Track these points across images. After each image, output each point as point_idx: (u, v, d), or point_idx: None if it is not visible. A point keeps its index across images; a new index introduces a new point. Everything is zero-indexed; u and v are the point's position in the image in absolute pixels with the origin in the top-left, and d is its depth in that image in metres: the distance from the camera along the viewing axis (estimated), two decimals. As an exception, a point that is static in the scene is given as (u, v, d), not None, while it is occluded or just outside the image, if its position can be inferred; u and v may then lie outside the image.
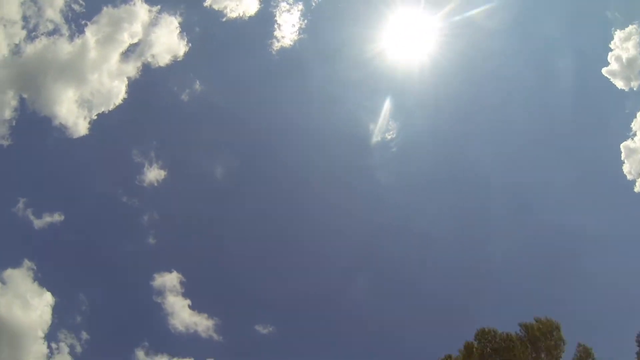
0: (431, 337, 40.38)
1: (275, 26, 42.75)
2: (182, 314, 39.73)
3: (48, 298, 36.67)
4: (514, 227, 43.17)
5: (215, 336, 39.56)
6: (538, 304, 40.34)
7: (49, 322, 36.59)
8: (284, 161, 45.09)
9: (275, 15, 42.61)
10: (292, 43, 42.73)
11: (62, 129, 39.02)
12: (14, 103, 38.02)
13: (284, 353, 40.56)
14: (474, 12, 40.48)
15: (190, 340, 39.36)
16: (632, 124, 40.17)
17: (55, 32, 38.80)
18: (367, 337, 41.43)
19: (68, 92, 39.12)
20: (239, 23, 42.15)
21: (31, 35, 38.17)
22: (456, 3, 40.26)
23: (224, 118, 44.84)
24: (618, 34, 39.75)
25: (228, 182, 44.39)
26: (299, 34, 42.71)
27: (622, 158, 40.26)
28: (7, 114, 37.80)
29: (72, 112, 39.10)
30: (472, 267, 42.97)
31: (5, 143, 37.99)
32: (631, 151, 40.02)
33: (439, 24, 41.36)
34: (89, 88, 39.61)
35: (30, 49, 38.17)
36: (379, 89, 43.83)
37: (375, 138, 44.18)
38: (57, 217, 38.91)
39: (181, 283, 40.09)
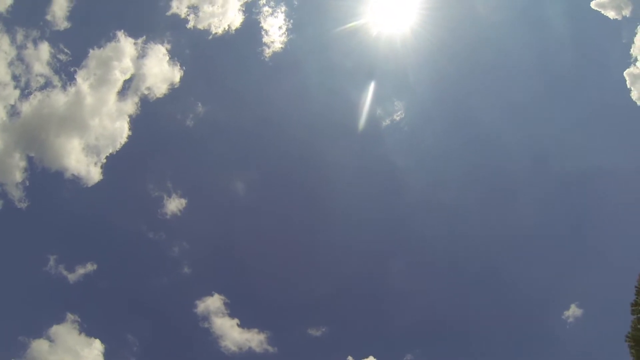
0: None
1: (263, 32, 42.57)
2: (232, 333, 39.87)
3: (98, 346, 36.85)
4: (536, 180, 43.64)
5: (270, 348, 39.80)
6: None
7: (103, 368, 37.11)
8: (299, 164, 45.14)
9: (260, 22, 42.46)
10: (282, 45, 42.57)
11: (76, 179, 39.08)
12: (22, 164, 38.06)
13: (340, 350, 40.72)
14: None
15: (246, 358, 39.62)
16: (631, 50, 40.10)
17: (47, 85, 38.76)
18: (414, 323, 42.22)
19: (73, 142, 39.14)
20: (227, 37, 42.13)
21: (25, 93, 38.14)
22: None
23: (232, 134, 44.87)
24: (601, -36, 39.74)
25: (248, 196, 44.60)
26: (287, 34, 42.58)
27: (629, 85, 40.25)
28: (18, 176, 37.86)
29: (81, 161, 39.13)
30: (505, 228, 43.77)
31: (23, 206, 38.04)
32: (636, 77, 39.86)
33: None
34: (93, 133, 39.59)
35: (26, 107, 38.16)
36: (377, 72, 43.83)
37: (385, 122, 44.37)
38: (90, 267, 38.98)
39: (225, 304, 40.20)
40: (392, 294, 43.28)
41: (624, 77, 40.30)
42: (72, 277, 38.40)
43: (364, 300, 42.94)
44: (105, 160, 39.46)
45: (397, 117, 43.84)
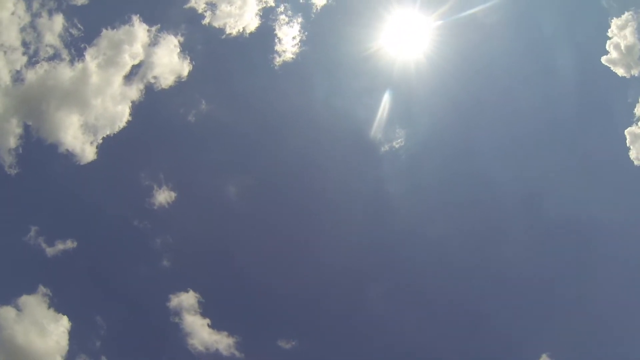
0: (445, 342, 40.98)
1: (276, 40, 42.67)
2: (201, 333, 39.38)
3: (64, 323, 36.45)
4: (524, 225, 43.41)
5: (237, 354, 39.32)
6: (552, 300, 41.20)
7: (67, 347, 36.43)
8: (292, 175, 44.80)
9: (275, 29, 42.57)
10: (293, 56, 42.64)
11: (69, 155, 38.88)
12: (18, 131, 37.94)
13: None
14: (472, 10, 41.18)
15: (211, 359, 39.17)
16: (635, 109, 40.62)
17: (55, 57, 38.76)
18: (388, 345, 41.47)
19: (72, 118, 39.02)
20: (240, 40, 42.26)
21: (32, 61, 38.16)
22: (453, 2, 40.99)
23: (231, 136, 44.64)
24: (615, 22, 40.27)
25: (238, 200, 44.21)
26: (300, 46, 42.72)
27: (628, 144, 40.72)
28: (13, 142, 37.71)
29: (77, 138, 38.98)
30: (484, 269, 43.25)
31: (12, 172, 37.87)
32: (636, 137, 40.33)
33: (436, 24, 41.73)
34: (93, 113, 39.48)
35: (31, 75, 38.05)
36: (383, 97, 43.43)
37: (383, 147, 44.18)
38: (70, 244, 38.73)
39: (199, 302, 39.84)
40: (370, 319, 42.77)
41: (624, 135, 40.95)
42: (50, 251, 38.21)
43: (340, 321, 42.36)
44: (101, 141, 39.43)
45: (396, 144, 43.74)
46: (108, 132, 39.57)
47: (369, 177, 45.28)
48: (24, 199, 39.17)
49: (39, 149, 38.65)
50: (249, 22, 41.89)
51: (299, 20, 42.69)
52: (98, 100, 39.51)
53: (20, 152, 37.86)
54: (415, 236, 43.68)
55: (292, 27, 42.66)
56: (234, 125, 44.51)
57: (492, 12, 41.92)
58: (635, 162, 39.95)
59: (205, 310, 39.69)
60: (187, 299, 39.57)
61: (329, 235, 43.99)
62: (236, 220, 44.21)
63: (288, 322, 41.59)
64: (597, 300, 39.75)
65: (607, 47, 40.53)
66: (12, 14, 37.50)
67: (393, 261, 43.88)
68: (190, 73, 41.32)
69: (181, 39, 41.34)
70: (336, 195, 44.47)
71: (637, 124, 40.22)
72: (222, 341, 39.12)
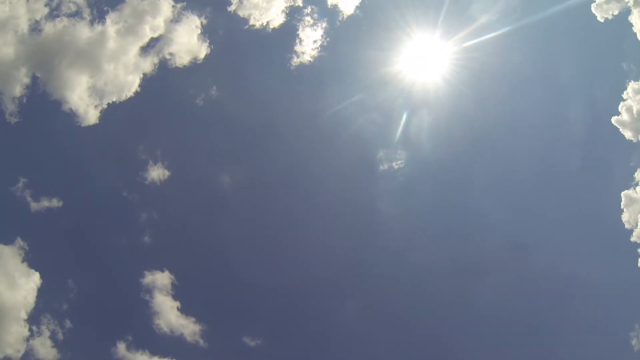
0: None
1: (297, 40, 42.72)
2: (169, 314, 39.14)
3: (36, 279, 36.03)
4: (509, 273, 43.20)
5: (201, 342, 39.04)
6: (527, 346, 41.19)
7: (33, 304, 35.99)
8: (286, 176, 44.69)
9: (298, 30, 42.63)
10: (311, 59, 42.72)
11: (72, 115, 38.59)
12: (26, 81, 37.63)
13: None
14: (485, 55, 41.79)
15: (174, 342, 38.75)
16: (636, 174, 40.94)
17: (77, 14, 38.49)
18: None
19: (81, 78, 38.77)
20: (262, 33, 42.23)
21: (52, 14, 37.89)
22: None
23: (234, 127, 44.42)
24: (632, 85, 40.55)
25: (231, 191, 44.02)
26: (320, 51, 42.78)
27: (622, 206, 40.88)
28: (18, 90, 37.38)
29: (83, 99, 38.72)
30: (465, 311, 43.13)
31: (13, 120, 37.56)
32: (631, 200, 40.53)
33: (454, 48, 41.98)
34: (103, 77, 39.29)
35: (49, 27, 37.80)
36: (391, 117, 43.96)
37: (382, 166, 44.20)
38: (55, 203, 38.47)
39: (172, 284, 39.58)
40: (338, 333, 42.51)
41: (620, 197, 41.10)
42: (34, 206, 37.93)
43: (308, 329, 42.14)
44: (106, 107, 39.21)
45: (395, 165, 43.79)
46: (114, 99, 39.39)
47: (361, 192, 45.08)
48: (17, 149, 38.89)
49: (42, 103, 38.47)
50: (274, 17, 41.99)
51: (324, 25, 42.86)
52: (110, 66, 39.42)
53: (24, 102, 37.66)
54: (393, 257, 43.57)
55: (315, 30, 42.84)
56: (238, 117, 44.38)
57: (509, 61, 42.93)
58: (626, 225, 40.19)
59: (177, 292, 39.51)
60: (162, 278, 39.38)
61: (311, 240, 43.82)
62: (224, 211, 44.22)
63: (258, 320, 41.43)
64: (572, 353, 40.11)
65: (619, 108, 40.82)
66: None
67: (369, 277, 43.70)
68: (206, 56, 41.36)
69: (204, 21, 41.46)
70: (325, 203, 44.44)
71: (634, 188, 40.48)
72: (188, 327, 38.90)
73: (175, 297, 39.33)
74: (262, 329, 40.51)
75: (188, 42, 40.86)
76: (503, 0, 41.86)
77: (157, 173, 40.83)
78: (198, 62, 41.08)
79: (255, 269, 42.11)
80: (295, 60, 42.74)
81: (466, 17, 41.88)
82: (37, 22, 37.22)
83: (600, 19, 40.54)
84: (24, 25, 36.82)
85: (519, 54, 44.06)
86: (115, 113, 39.65)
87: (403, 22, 42.18)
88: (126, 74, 39.66)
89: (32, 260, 36.42)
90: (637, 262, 38.80)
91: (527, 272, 42.92)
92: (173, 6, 40.12)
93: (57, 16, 37.85)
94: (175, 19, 40.49)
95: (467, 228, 44.34)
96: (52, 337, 36.43)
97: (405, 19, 42.05)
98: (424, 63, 43.14)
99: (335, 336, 42.19)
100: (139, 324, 39.42)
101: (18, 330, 34.90)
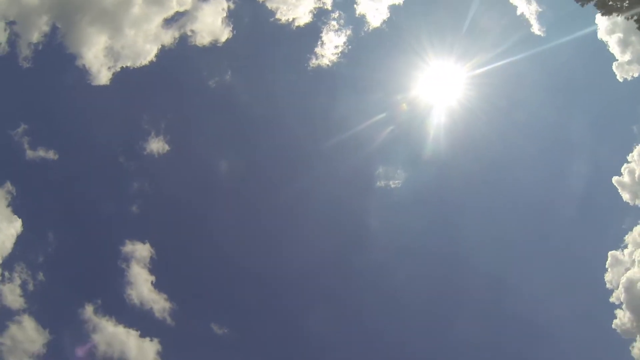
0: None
1: (319, 42, 42.74)
2: (142, 287, 39.06)
3: (17, 226, 35.97)
4: (482, 308, 43.16)
5: (168, 320, 38.95)
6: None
7: (10, 250, 35.91)
8: (282, 170, 44.74)
9: (322, 32, 42.67)
10: (329, 64, 42.70)
11: (84, 71, 38.52)
12: (45, 29, 37.56)
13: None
14: (497, 87, 41.85)
15: (142, 315, 38.65)
16: (626, 236, 41.01)
17: (108, -27, 38.63)
18: None
19: (100, 38, 38.81)
20: (286, 29, 42.20)
21: (83, -32, 37.97)
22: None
23: (242, 116, 44.46)
24: (638, 149, 40.85)
25: (226, 177, 44.11)
26: (340, 56, 42.78)
27: (607, 266, 40.85)
28: (36, 37, 37.35)
29: (98, 58, 38.71)
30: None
31: (25, 65, 37.46)
32: (617, 261, 40.58)
33: (468, 74, 41.67)
34: (122, 41, 39.32)
35: (76, -20, 37.91)
36: (397, 134, 43.72)
37: (379, 183, 44.32)
38: (51, 155, 38.38)
39: (151, 258, 39.47)
40: (308, 337, 42.53)
41: (606, 256, 41.13)
42: (30, 154, 37.89)
43: (279, 329, 42.29)
44: (119, 70, 39.22)
45: (392, 184, 43.87)
46: (128, 64, 39.44)
47: (353, 203, 45.24)
48: (23, 95, 38.87)
49: (57, 54, 38.43)
50: (301, 15, 42.04)
51: (348, 32, 42.95)
52: (132, 31, 39.51)
53: (40, 49, 37.62)
54: (373, 271, 43.61)
55: (339, 36, 42.93)
56: (247, 106, 44.43)
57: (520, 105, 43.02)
58: (607, 285, 40.27)
59: (154, 267, 39.44)
60: (142, 250, 39.29)
61: (297, 238, 44.14)
62: (216, 196, 44.30)
63: (230, 310, 41.39)
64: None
65: (622, 170, 40.90)
66: None
67: (345, 279, 44.05)
68: (227, 41, 41.38)
69: (231, 6, 41.55)
70: (315, 203, 44.47)
71: (622, 250, 40.62)
72: (159, 302, 38.77)
73: (151, 271, 39.32)
74: (232, 319, 40.52)
75: (212, 23, 40.98)
76: (524, 38, 42.19)
77: (157, 146, 40.86)
78: (218, 44, 41.18)
79: (237, 259, 42.07)
80: (314, 62, 42.89)
81: (478, 47, 41.94)
82: (66, -28, 37.27)
83: (619, 78, 40.84)
84: (54, -27, 36.86)
85: (534, 99, 44.36)
86: (126, 78, 39.78)
87: (427, 43, 41.94)
88: (145, 42, 39.78)
89: (17, 207, 36.55)
90: (612, 324, 39.00)
91: (500, 313, 43.09)
92: (204, -16, 40.28)
93: (88, -29, 37.97)
94: (204, -2, 40.64)
95: (449, 256, 44.04)
96: (23, 286, 36.39)
97: (429, 39, 41.85)
98: (438, 87, 43.29)
99: (304, 337, 42.32)
100: (110, 290, 39.52)
101: (-11, 273, 34.82)
